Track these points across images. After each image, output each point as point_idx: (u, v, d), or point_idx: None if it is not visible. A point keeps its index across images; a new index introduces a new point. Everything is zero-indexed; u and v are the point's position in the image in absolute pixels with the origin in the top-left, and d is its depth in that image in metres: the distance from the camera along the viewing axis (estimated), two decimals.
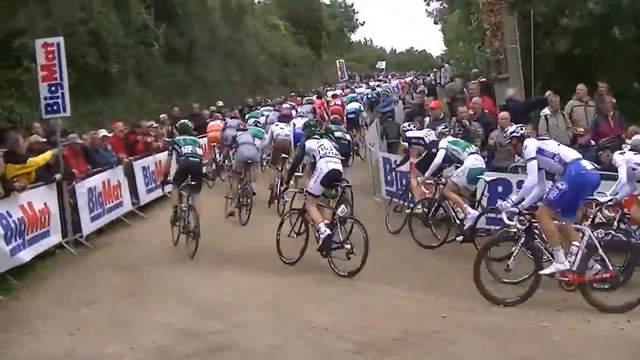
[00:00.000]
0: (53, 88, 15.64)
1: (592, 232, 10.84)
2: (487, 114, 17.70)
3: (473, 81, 20.05)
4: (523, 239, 10.99)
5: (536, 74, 19.65)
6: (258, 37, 47.11)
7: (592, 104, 17.11)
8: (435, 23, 54.65)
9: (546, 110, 17.12)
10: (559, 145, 11.35)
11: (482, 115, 17.49)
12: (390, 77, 54.51)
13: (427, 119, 19.09)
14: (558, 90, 18.19)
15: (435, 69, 39.21)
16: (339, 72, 53.68)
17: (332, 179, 13.59)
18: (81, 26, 24.13)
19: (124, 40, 27.44)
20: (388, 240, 15.44)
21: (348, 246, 13.04)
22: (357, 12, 78.18)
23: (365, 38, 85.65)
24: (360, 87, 43.98)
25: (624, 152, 12.82)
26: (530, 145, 11.15)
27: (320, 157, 13.62)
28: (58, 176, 15.25)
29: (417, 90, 28.05)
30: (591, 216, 12.28)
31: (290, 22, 58.72)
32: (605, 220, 12.38)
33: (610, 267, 10.62)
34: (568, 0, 20.42)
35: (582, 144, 15.19)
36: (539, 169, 11.07)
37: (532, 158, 11.03)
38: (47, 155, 14.97)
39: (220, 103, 30.08)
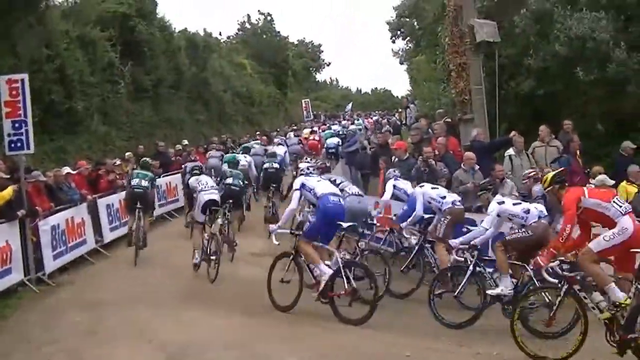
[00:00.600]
0: (17, 125, 15.54)
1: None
2: (450, 154, 17.83)
3: (438, 122, 20.23)
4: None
5: (501, 115, 19.84)
6: (224, 76, 47.13)
7: (554, 144, 17.33)
8: (401, 63, 54.99)
9: (511, 151, 17.31)
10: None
11: (446, 156, 17.63)
12: (356, 116, 55.01)
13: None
14: (523, 130, 18.39)
15: (400, 109, 39.44)
16: (304, 112, 53.86)
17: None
18: (47, 63, 24.05)
19: (90, 77, 27.38)
20: None
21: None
22: (323, 52, 78.81)
23: (330, 78, 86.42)
24: (334, 124, 45.51)
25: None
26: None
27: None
28: (21, 213, 15.10)
29: (382, 130, 28.19)
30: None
31: (256, 61, 58.96)
32: None
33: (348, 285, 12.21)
34: (533, 41, 20.68)
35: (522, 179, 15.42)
36: None
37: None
38: (8, 192, 14.86)
39: (186, 142, 30.12)
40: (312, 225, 13.41)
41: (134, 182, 18.12)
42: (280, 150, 28.27)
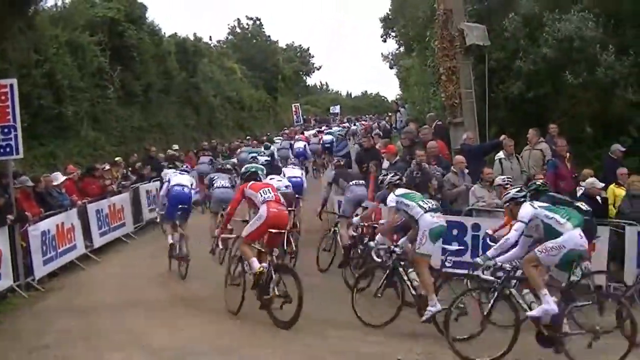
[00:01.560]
0: (6, 130, 15.51)
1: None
2: (442, 158, 17.82)
3: (427, 125, 20.25)
4: None
5: (491, 118, 19.84)
6: (214, 81, 47.10)
7: (539, 147, 17.35)
8: (391, 67, 55.17)
9: (501, 154, 17.32)
10: None
11: (442, 160, 17.61)
12: (346, 120, 55.33)
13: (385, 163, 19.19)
14: (512, 134, 18.41)
15: (390, 113, 39.58)
16: (295, 116, 53.95)
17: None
18: (36, 68, 24.01)
19: (79, 82, 27.34)
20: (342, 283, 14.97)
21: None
22: (313, 57, 78.88)
23: (321, 82, 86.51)
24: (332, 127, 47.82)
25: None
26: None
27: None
28: (9, 219, 15.04)
29: (373, 134, 28.23)
30: None
31: (246, 66, 58.96)
32: None
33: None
34: (523, 45, 20.71)
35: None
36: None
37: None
38: None
39: (176, 146, 30.10)
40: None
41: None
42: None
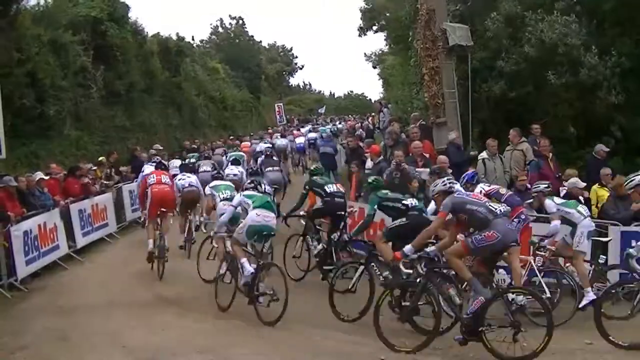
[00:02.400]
0: None
1: None
2: (426, 158, 17.86)
3: (413, 125, 20.31)
4: None
5: (474, 118, 19.92)
6: (197, 81, 46.98)
7: (521, 147, 17.46)
8: (374, 67, 55.09)
9: (484, 154, 17.43)
10: None
11: (429, 162, 17.63)
12: (329, 120, 55.43)
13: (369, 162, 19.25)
14: (495, 134, 18.50)
15: (373, 113, 39.64)
16: (278, 116, 53.91)
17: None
18: (18, 67, 23.88)
19: (62, 82, 27.18)
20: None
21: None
22: (296, 57, 78.73)
23: (304, 82, 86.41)
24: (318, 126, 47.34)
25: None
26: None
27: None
28: None
29: (355, 134, 28.33)
30: None
31: (229, 66, 58.82)
32: None
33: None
34: (505, 45, 20.76)
35: (519, 188, 15.48)
36: None
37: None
38: None
39: (158, 146, 30.00)
40: None
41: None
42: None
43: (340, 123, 51.74)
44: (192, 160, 22.98)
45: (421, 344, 10.67)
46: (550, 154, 17.09)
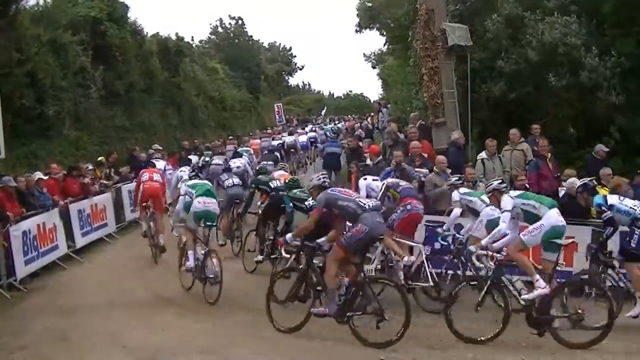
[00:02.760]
0: None
1: None
2: (424, 158, 17.85)
3: (412, 124, 20.29)
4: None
5: (473, 118, 19.91)
6: (196, 81, 46.94)
7: (520, 147, 17.49)
8: (373, 67, 55.06)
9: (483, 154, 17.42)
10: None
11: (427, 162, 17.62)
12: (329, 120, 55.49)
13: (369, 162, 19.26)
14: (495, 134, 18.50)
15: (372, 113, 39.69)
16: (277, 116, 53.85)
17: None
18: (18, 67, 23.87)
19: (61, 82, 27.17)
20: None
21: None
22: (295, 57, 78.63)
23: (303, 82, 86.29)
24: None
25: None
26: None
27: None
28: None
29: (354, 134, 28.31)
30: None
31: (228, 66, 58.76)
32: None
33: None
34: (505, 45, 20.75)
35: (518, 187, 15.46)
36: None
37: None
38: None
39: (157, 146, 29.97)
40: None
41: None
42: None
43: (339, 123, 51.79)
44: (207, 158, 23.54)
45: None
46: (549, 154, 17.09)
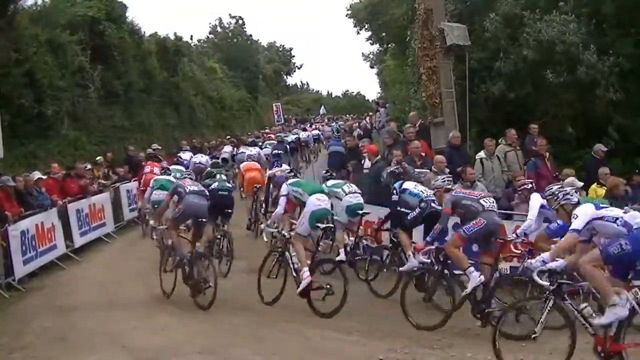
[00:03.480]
0: None
1: None
2: (426, 158, 17.82)
3: (411, 124, 20.26)
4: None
5: (472, 118, 19.90)
6: (195, 80, 46.91)
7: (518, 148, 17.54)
8: (372, 67, 55.03)
9: (482, 154, 17.39)
10: None
11: (427, 161, 17.58)
12: (327, 120, 55.63)
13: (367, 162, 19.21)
14: (493, 134, 18.48)
15: (370, 113, 39.72)
16: (276, 115, 53.84)
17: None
18: (16, 67, 23.85)
19: (60, 82, 27.16)
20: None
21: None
22: (294, 56, 78.51)
23: (301, 81, 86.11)
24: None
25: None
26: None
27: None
28: None
29: (353, 134, 28.27)
30: None
31: (227, 66, 58.69)
32: None
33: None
34: (504, 45, 20.73)
35: (516, 187, 15.45)
36: None
37: None
38: None
39: (156, 145, 29.94)
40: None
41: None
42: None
43: (339, 122, 51.94)
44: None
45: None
46: (548, 154, 17.08)
